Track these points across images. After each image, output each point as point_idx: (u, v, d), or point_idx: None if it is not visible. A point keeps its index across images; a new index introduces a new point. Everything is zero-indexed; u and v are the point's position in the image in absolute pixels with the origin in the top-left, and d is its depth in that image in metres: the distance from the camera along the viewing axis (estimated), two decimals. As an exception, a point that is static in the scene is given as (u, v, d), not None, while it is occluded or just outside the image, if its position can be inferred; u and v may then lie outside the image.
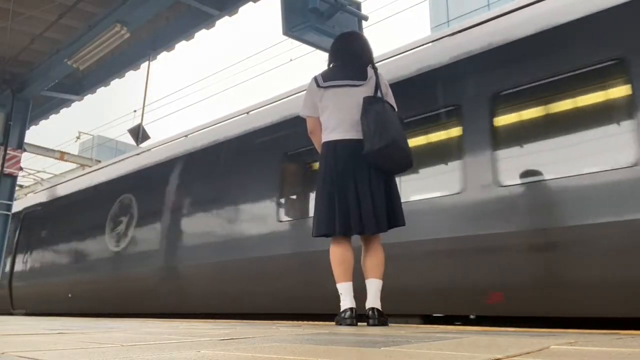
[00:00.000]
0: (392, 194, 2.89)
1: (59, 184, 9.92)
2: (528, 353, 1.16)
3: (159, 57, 7.97)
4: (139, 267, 6.54)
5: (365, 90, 2.95)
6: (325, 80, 3.04)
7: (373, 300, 2.73)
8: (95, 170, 8.96)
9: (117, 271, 6.87)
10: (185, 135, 7.01)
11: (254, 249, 5.03)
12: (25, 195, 13.81)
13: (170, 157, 6.69)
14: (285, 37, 4.90)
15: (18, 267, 9.34)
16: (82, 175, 9.27)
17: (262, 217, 5.08)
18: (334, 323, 2.80)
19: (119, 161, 8.21)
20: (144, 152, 7.71)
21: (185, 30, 7.46)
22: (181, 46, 7.81)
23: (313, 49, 5.15)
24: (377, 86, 2.98)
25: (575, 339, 1.59)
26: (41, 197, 9.83)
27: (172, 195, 6.31)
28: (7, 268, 9.41)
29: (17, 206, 10.21)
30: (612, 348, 1.30)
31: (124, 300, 6.69)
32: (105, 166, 8.72)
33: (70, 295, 7.65)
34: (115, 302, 6.83)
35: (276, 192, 4.99)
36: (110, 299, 6.92)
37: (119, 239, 6.91)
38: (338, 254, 2.82)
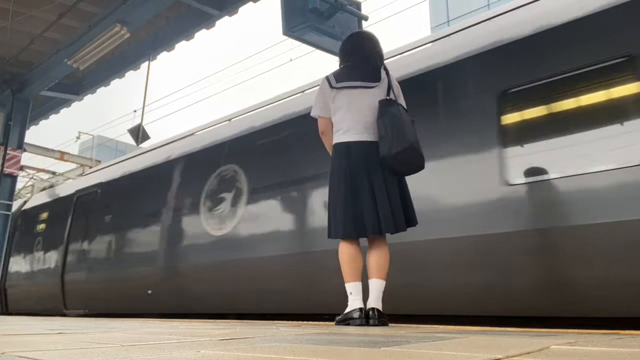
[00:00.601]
0: (405, 195, 2.91)
1: (123, 160, 8.19)
2: (528, 353, 1.16)
3: (159, 57, 7.99)
4: (263, 254, 4.97)
5: (379, 91, 2.95)
6: (338, 80, 3.02)
7: (375, 301, 2.73)
8: (178, 139, 7.12)
9: (226, 261, 5.36)
10: (303, 91, 5.55)
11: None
12: (67, 179, 12.57)
13: (295, 114, 5.16)
14: (285, 37, 4.91)
15: (72, 258, 7.82)
16: (158, 147, 7.60)
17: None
18: (333, 323, 2.81)
19: (214, 126, 6.67)
20: (254, 110, 6.10)
21: (185, 30, 7.47)
22: (181, 46, 7.82)
23: (313, 49, 5.15)
24: (390, 87, 2.98)
25: (575, 339, 1.59)
26: (102, 177, 8.09)
27: (300, 162, 4.88)
28: (58, 260, 8.03)
29: (69, 188, 8.84)
30: (612, 348, 1.30)
31: (237, 298, 5.29)
32: (191, 134, 6.92)
33: (149, 291, 6.23)
34: (222, 300, 5.51)
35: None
36: (214, 295, 5.55)
37: (223, 220, 5.46)
38: (348, 254, 2.82)
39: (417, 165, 2.93)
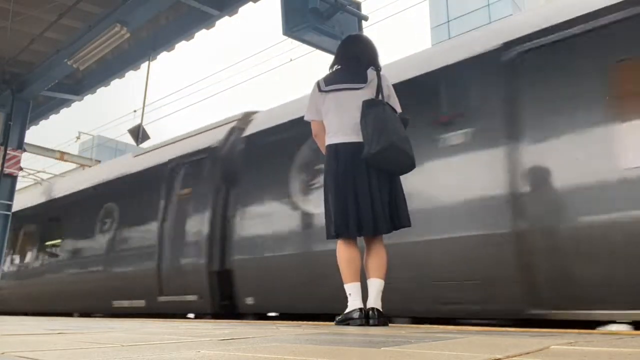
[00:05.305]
0: (397, 196, 2.91)
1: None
2: (528, 353, 1.16)
3: (159, 57, 7.98)
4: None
5: (366, 93, 2.96)
6: (327, 84, 3.07)
7: (374, 301, 2.74)
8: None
9: None
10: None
11: None
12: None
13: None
14: (285, 37, 4.90)
15: None
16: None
17: None
18: (333, 323, 2.81)
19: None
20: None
21: (185, 30, 7.46)
22: (181, 46, 7.82)
23: (313, 49, 5.15)
24: (379, 89, 2.98)
25: (575, 339, 1.59)
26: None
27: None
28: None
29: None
30: (612, 348, 1.30)
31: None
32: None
33: None
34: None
35: None
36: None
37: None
38: (346, 254, 2.83)
39: (404, 165, 2.92)
